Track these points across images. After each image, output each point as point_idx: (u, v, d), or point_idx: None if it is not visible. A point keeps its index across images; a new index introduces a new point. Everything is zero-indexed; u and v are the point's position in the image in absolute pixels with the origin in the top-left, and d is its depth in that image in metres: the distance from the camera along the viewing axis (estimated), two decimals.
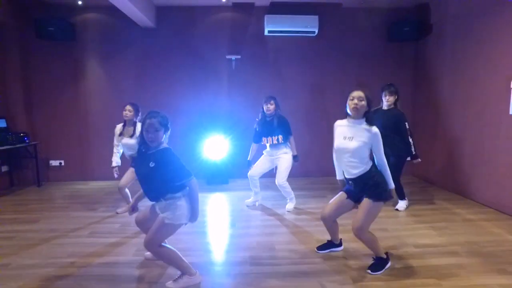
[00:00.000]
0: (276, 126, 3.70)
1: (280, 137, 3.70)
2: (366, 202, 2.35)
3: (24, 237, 3.14)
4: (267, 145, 3.80)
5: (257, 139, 3.87)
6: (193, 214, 2.21)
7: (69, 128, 5.37)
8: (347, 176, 2.45)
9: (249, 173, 3.90)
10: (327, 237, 2.84)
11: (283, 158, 3.73)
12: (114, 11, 5.06)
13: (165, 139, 2.19)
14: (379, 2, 5.05)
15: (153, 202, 2.27)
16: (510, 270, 2.44)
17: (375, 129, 2.31)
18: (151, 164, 2.08)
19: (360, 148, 2.31)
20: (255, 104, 5.31)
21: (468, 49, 4.20)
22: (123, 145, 3.62)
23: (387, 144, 3.67)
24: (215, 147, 5.12)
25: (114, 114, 4.49)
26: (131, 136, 3.55)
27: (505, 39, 3.60)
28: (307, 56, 5.33)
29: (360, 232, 2.34)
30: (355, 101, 2.31)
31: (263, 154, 3.90)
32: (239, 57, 5.23)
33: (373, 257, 2.49)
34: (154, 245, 2.17)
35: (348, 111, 2.37)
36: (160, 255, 2.21)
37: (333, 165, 2.66)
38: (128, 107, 3.57)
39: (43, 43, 5.03)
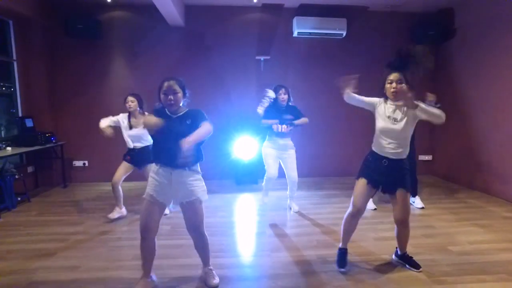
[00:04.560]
0: (288, 113, 3.60)
1: (290, 128, 3.58)
2: (404, 194, 2.35)
3: (77, 239, 3.09)
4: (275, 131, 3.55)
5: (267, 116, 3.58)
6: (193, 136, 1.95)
7: (93, 127, 5.24)
8: (383, 154, 2.33)
9: (271, 175, 3.66)
10: (381, 234, 2.92)
11: (291, 154, 3.68)
12: (142, 9, 5.04)
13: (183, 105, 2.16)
14: (403, 6, 5.18)
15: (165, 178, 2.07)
16: None
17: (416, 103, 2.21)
18: (188, 121, 2.07)
19: (406, 129, 2.25)
20: None
21: (494, 53, 4.37)
22: (131, 137, 3.49)
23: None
24: (244, 147, 5.13)
25: None
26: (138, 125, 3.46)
27: None
28: (334, 58, 5.42)
29: (407, 223, 2.42)
30: (394, 84, 2.24)
31: (267, 148, 3.67)
32: (268, 57, 5.27)
33: (400, 254, 2.57)
34: (203, 227, 2.21)
35: (388, 95, 2.30)
36: (205, 238, 2.25)
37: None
38: (130, 98, 3.46)
39: (70, 41, 4.93)
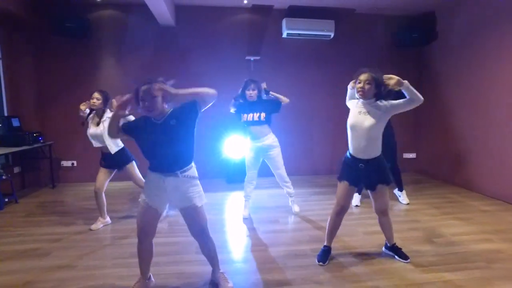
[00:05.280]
0: (260, 105, 3.49)
1: (263, 114, 3.46)
2: (384, 188, 2.49)
3: (72, 239, 3.08)
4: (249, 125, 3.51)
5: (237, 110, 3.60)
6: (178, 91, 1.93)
7: (82, 127, 5.19)
8: (359, 156, 2.43)
9: (250, 178, 3.62)
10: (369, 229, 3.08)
11: (275, 153, 3.56)
12: (132, 8, 5.03)
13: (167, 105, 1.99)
14: (389, 9, 5.37)
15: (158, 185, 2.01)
16: None
17: (384, 102, 2.34)
18: (172, 122, 1.94)
19: (375, 126, 2.34)
20: None
21: (474, 56, 4.61)
22: (91, 136, 3.26)
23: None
24: (234, 146, 5.20)
25: None
26: (97, 124, 3.22)
27: (510, 48, 4.02)
28: (322, 58, 5.56)
29: (387, 213, 2.59)
30: (361, 84, 2.33)
31: (248, 151, 3.63)
32: (258, 58, 5.35)
33: (389, 246, 2.71)
34: (208, 232, 2.17)
35: (356, 94, 2.41)
36: (212, 242, 2.21)
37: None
38: (96, 95, 3.20)
39: (57, 39, 4.87)
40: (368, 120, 2.36)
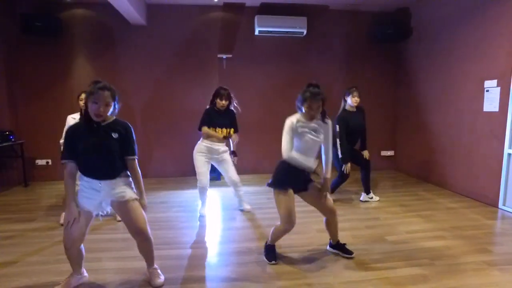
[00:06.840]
0: (229, 119, 3.56)
1: (232, 130, 3.57)
2: (316, 187, 2.53)
3: (26, 235, 3.10)
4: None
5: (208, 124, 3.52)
6: (142, 195, 2.15)
7: (56, 126, 5.21)
8: (304, 167, 2.44)
9: (202, 185, 3.51)
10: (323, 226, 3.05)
11: (227, 158, 3.60)
12: (103, 7, 5.02)
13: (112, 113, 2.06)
14: (363, 5, 5.32)
15: (93, 187, 2.04)
16: (490, 248, 2.74)
17: (328, 121, 2.49)
18: (114, 135, 2.02)
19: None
20: (246, 102, 5.44)
21: (445, 52, 4.55)
22: None
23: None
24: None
25: None
26: None
27: (479, 44, 3.95)
28: (296, 56, 5.52)
29: (335, 211, 2.57)
30: (313, 112, 2.36)
31: (198, 154, 3.54)
32: (230, 56, 5.33)
33: (333, 244, 2.68)
34: (146, 231, 2.14)
35: (306, 115, 2.42)
36: (151, 241, 2.19)
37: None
38: (84, 96, 3.30)
39: (29, 38, 4.89)
40: (321, 136, 2.45)
